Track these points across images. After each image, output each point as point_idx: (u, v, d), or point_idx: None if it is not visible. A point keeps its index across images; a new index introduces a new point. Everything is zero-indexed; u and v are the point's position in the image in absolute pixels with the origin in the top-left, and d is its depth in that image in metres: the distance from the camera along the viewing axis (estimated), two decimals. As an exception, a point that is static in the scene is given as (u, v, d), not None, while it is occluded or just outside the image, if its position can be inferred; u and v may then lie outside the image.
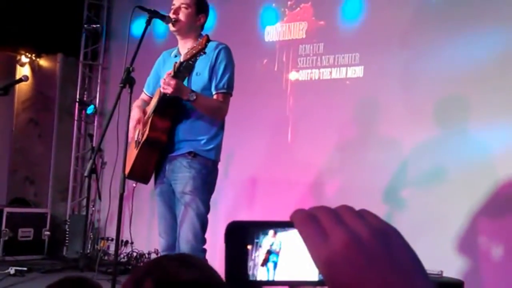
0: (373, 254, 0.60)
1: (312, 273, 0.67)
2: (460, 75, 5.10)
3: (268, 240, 0.68)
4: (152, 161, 3.57)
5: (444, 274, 3.84)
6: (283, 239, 0.69)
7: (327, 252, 0.61)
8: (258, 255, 0.68)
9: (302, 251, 0.63)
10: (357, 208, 0.66)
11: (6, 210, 6.92)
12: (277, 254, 0.68)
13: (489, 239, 4.82)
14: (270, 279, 0.68)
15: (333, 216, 0.63)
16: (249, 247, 0.68)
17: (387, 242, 0.61)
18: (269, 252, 0.68)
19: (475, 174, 4.89)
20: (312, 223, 0.63)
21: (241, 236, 0.68)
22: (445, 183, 5.04)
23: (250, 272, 0.68)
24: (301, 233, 0.63)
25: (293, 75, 6.18)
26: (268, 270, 0.68)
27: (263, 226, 0.69)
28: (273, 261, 0.68)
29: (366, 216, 0.64)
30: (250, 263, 0.68)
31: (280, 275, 0.68)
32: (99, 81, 7.96)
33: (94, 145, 7.03)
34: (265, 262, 0.68)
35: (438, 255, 4.45)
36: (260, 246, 0.68)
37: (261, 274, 0.68)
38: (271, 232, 0.69)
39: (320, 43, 6.00)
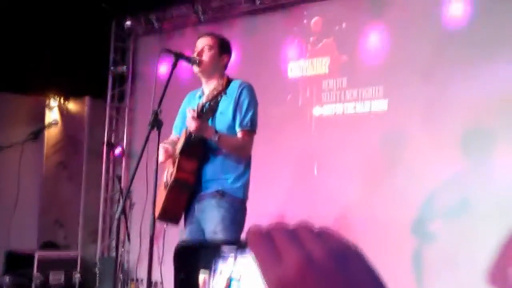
0: (327, 276, 0.56)
1: None
2: (485, 106, 5.07)
3: (228, 266, 0.64)
4: (182, 201, 3.58)
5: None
6: (245, 265, 0.63)
7: (278, 274, 0.57)
8: (218, 283, 0.64)
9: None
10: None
11: (38, 254, 6.98)
12: (238, 281, 0.64)
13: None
14: None
15: (288, 235, 0.59)
16: (205, 274, 0.63)
17: (344, 264, 0.57)
18: (230, 280, 0.64)
19: (502, 206, 4.82)
20: (266, 242, 0.59)
21: (193, 259, 0.64)
22: (473, 215, 4.98)
23: None
24: (253, 252, 0.59)
25: (317, 110, 6.20)
26: None
27: (215, 247, 0.64)
28: None
29: (325, 236, 0.60)
30: None
31: None
32: (126, 122, 8.06)
33: (122, 186, 7.08)
34: None
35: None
36: (220, 273, 0.64)
37: None
38: (231, 258, 0.64)
39: (343, 78, 6.02)
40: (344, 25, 6.12)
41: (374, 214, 5.63)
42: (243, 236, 0.61)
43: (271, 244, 0.59)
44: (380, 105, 5.73)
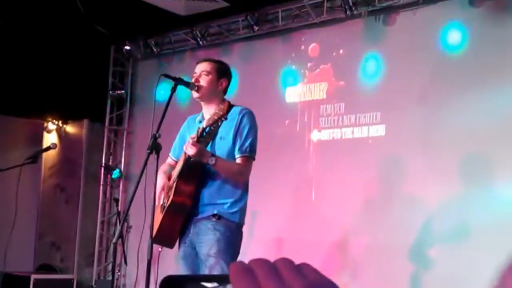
0: None
1: None
2: (483, 131, 5.11)
3: None
4: (177, 225, 3.60)
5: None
6: None
7: None
8: None
9: None
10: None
11: (33, 277, 6.96)
12: None
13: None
14: None
15: (269, 270, 0.61)
16: None
17: None
18: None
19: (501, 231, 4.83)
20: (247, 277, 0.60)
21: None
22: (471, 241, 4.99)
23: None
24: (234, 287, 0.60)
25: (315, 135, 6.23)
26: None
27: (201, 281, 0.64)
28: None
29: (304, 271, 0.61)
30: None
31: None
32: (124, 145, 8.08)
33: (119, 209, 7.08)
34: None
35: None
36: None
37: None
38: None
39: (341, 103, 6.07)
40: (341, 51, 6.18)
41: (371, 240, 5.63)
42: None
43: (253, 278, 0.60)
44: (378, 130, 5.76)
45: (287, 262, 0.63)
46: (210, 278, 0.65)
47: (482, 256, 4.87)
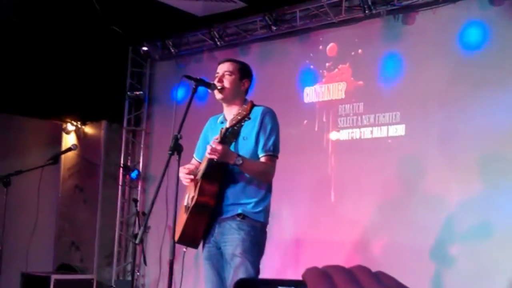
0: None
1: None
2: (503, 130, 5.09)
3: None
4: (202, 225, 3.61)
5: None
6: None
7: None
8: None
9: None
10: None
11: (53, 277, 7.01)
12: None
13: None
14: None
15: (348, 276, 0.59)
16: None
17: None
18: None
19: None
20: (326, 282, 0.59)
21: None
22: (492, 240, 4.97)
23: None
24: None
25: (334, 135, 6.22)
26: None
27: (274, 285, 0.64)
28: None
29: (382, 279, 0.60)
30: None
31: None
32: (142, 146, 8.12)
33: (138, 209, 7.12)
34: None
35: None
36: None
37: None
38: None
39: (359, 103, 6.05)
40: (360, 51, 6.17)
41: (392, 239, 5.62)
42: (301, 275, 0.61)
43: (331, 284, 0.59)
44: (398, 130, 5.75)
45: (364, 269, 0.61)
46: (285, 282, 0.64)
47: (503, 255, 4.85)
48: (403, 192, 5.66)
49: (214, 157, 3.38)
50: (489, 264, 4.93)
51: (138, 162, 8.09)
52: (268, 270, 5.74)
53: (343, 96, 6.22)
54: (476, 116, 5.27)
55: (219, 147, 3.36)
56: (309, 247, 6.13)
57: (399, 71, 5.87)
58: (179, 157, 3.56)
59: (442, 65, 5.55)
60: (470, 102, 5.32)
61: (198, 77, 3.73)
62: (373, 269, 0.62)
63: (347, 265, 0.61)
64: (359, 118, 6.03)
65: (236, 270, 3.47)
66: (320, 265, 0.60)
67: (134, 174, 7.91)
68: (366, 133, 5.96)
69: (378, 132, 5.87)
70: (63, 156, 7.98)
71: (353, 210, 5.88)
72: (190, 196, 3.64)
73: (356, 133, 6.05)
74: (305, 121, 6.47)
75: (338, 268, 0.61)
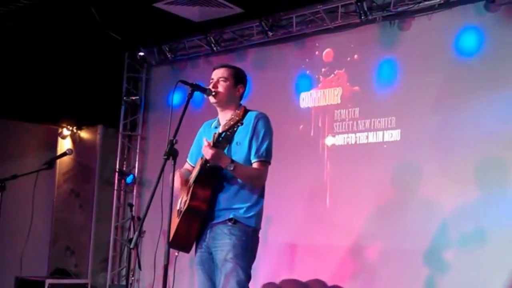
0: None
1: None
2: (498, 135, 5.10)
3: None
4: (194, 230, 3.59)
5: None
6: None
7: None
8: None
9: None
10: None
11: (48, 281, 6.99)
12: None
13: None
14: None
15: None
16: None
17: None
18: None
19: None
20: None
21: None
22: (487, 245, 4.97)
23: None
24: None
25: (329, 140, 6.23)
26: None
27: None
28: None
29: None
30: None
31: None
32: (137, 151, 8.12)
33: (134, 214, 7.11)
34: None
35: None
36: None
37: None
38: None
39: (355, 108, 6.06)
40: (356, 56, 6.18)
41: (387, 244, 5.61)
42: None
43: None
44: (393, 135, 5.75)
45: (319, 282, 0.60)
46: None
47: (498, 261, 4.84)
48: (398, 198, 5.66)
49: (208, 157, 3.37)
50: (483, 270, 4.92)
51: (134, 167, 8.09)
52: (264, 275, 5.73)
53: (339, 101, 6.23)
54: (471, 121, 5.27)
55: (212, 149, 3.36)
56: (304, 252, 6.11)
57: (395, 76, 5.88)
58: (174, 162, 3.53)
59: (437, 71, 5.56)
60: (466, 107, 5.33)
61: (194, 82, 3.73)
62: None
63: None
64: (355, 123, 6.04)
65: (227, 276, 3.45)
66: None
67: (129, 179, 7.90)
68: (362, 138, 5.97)
69: (374, 137, 5.88)
70: (58, 160, 7.96)
71: (348, 215, 5.88)
72: (183, 200, 3.63)
73: (351, 138, 6.06)
74: (301, 126, 6.48)
75: (293, 283, 0.60)
